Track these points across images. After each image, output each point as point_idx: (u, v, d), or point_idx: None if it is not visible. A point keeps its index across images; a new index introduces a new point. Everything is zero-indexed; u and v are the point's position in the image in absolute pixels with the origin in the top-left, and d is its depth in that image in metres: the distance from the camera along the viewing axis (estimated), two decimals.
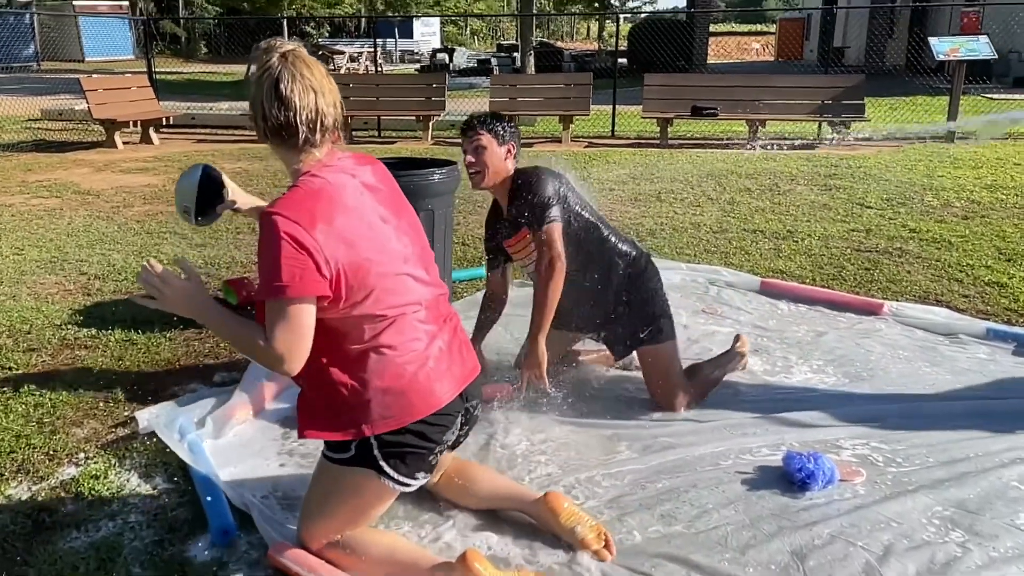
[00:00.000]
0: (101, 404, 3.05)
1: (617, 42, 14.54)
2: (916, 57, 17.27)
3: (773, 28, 53.12)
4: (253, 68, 1.76)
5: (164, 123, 10.36)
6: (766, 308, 4.00)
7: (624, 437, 2.70)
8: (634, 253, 2.93)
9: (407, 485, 1.88)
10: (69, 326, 3.88)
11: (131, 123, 9.80)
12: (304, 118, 1.72)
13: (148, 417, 2.86)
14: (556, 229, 2.71)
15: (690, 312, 3.93)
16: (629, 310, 2.90)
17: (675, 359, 2.93)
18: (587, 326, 3.02)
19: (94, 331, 3.81)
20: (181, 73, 23.23)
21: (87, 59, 28.84)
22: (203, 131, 11.66)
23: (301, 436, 1.90)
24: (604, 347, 3.12)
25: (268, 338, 1.69)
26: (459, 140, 2.94)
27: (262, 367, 3.11)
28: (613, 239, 2.92)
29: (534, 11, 20.17)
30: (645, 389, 2.96)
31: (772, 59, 34.32)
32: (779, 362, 3.33)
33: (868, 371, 3.23)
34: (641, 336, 2.89)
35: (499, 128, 2.77)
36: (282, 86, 1.71)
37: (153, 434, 2.77)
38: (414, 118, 10.31)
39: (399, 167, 3.80)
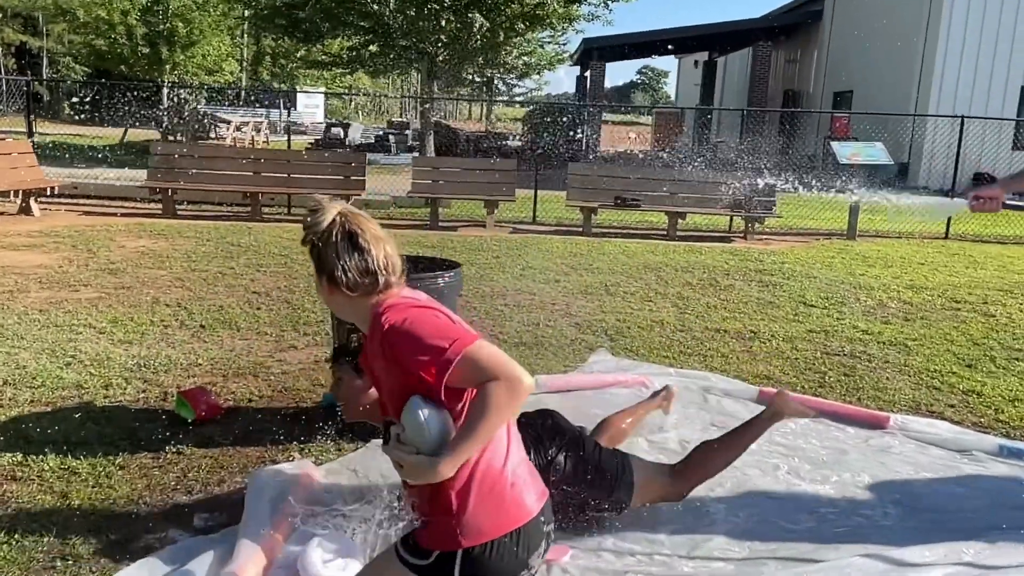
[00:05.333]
0: (59, 563, 2.45)
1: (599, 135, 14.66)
2: (785, 155, 18.58)
3: (643, 119, 56.27)
4: (311, 233, 1.85)
5: (49, 193, 9.40)
6: None
7: None
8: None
9: None
10: None
11: (11, 192, 8.81)
12: (381, 264, 1.83)
13: None
14: None
15: (702, 426, 3.73)
16: (591, 484, 2.68)
17: (648, 476, 2.77)
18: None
19: (20, 456, 3.16)
20: (45, 135, 21.61)
21: None
22: (87, 202, 10.70)
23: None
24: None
25: (494, 378, 1.60)
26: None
27: (260, 507, 2.65)
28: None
29: (432, 94, 20.25)
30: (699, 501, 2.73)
31: (648, 148, 36.07)
32: (818, 487, 3.15)
33: (908, 496, 3.10)
34: (622, 505, 2.70)
35: (356, 361, 2.59)
36: (358, 239, 1.83)
37: None
38: (330, 198, 9.84)
39: None
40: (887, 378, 4.59)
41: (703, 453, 2.90)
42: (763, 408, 3.12)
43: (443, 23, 17.14)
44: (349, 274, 1.81)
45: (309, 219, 1.86)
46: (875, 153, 9.85)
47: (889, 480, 3.23)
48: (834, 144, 10.12)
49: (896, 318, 6.03)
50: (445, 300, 3.39)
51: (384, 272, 1.83)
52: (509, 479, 1.75)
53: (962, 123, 10.84)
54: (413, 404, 1.68)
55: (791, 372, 4.64)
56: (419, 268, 3.45)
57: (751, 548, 2.65)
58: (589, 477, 2.63)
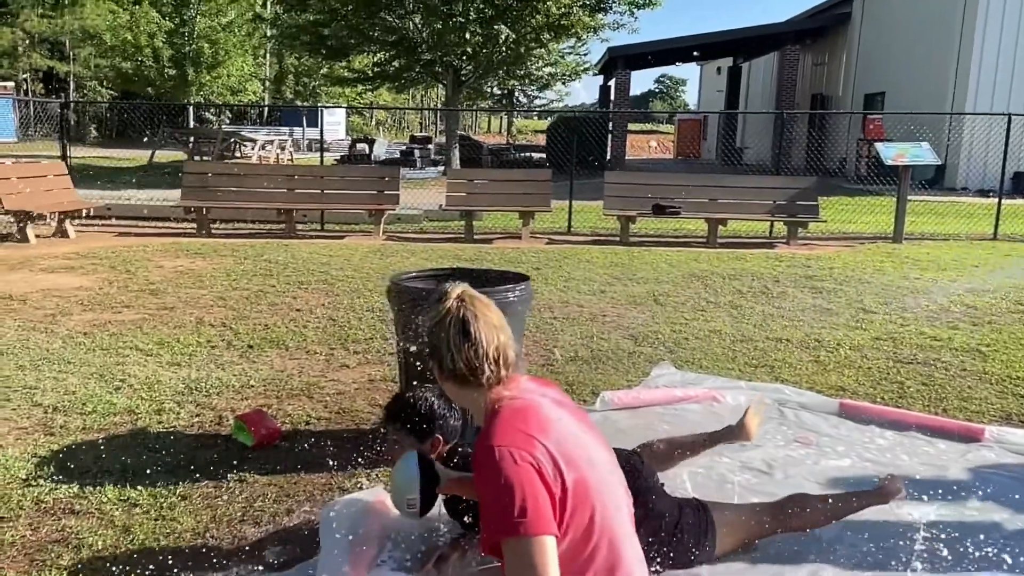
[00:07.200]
0: None
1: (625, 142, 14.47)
2: (816, 159, 18.25)
3: (663, 128, 56.07)
4: (428, 315, 1.80)
5: (84, 215, 9.37)
6: (857, 435, 3.63)
7: None
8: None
9: None
10: (40, 481, 3.07)
11: (47, 215, 8.80)
12: (492, 356, 1.75)
13: None
14: None
15: (784, 442, 3.52)
16: (668, 542, 2.42)
17: (730, 522, 2.49)
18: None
19: (76, 488, 3.01)
20: (74, 158, 21.79)
21: None
22: (122, 223, 10.69)
23: None
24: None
25: None
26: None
27: (336, 541, 2.48)
28: None
29: (457, 106, 20.22)
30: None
31: (671, 157, 35.81)
32: (923, 510, 2.93)
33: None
34: (702, 551, 2.43)
35: (412, 426, 2.45)
36: (469, 327, 1.74)
37: None
38: (365, 212, 9.75)
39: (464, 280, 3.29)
40: (969, 387, 4.35)
41: (800, 504, 2.65)
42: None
43: (468, 36, 17.09)
44: (457, 364, 1.74)
45: (432, 306, 1.81)
46: (921, 153, 9.59)
47: (1002, 502, 2.99)
48: (878, 145, 9.87)
49: (963, 323, 5.78)
50: (515, 314, 3.26)
51: (493, 366, 1.74)
52: None
53: (1009, 121, 10.52)
54: (409, 457, 1.96)
55: (866, 383, 4.41)
56: (487, 282, 3.30)
57: None
58: (670, 549, 2.38)
